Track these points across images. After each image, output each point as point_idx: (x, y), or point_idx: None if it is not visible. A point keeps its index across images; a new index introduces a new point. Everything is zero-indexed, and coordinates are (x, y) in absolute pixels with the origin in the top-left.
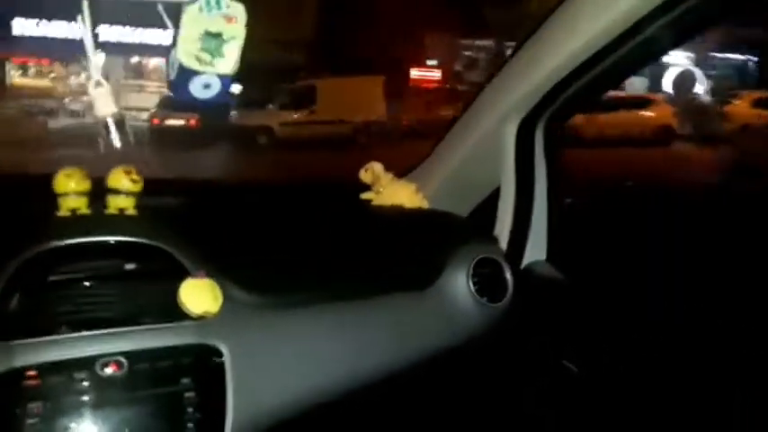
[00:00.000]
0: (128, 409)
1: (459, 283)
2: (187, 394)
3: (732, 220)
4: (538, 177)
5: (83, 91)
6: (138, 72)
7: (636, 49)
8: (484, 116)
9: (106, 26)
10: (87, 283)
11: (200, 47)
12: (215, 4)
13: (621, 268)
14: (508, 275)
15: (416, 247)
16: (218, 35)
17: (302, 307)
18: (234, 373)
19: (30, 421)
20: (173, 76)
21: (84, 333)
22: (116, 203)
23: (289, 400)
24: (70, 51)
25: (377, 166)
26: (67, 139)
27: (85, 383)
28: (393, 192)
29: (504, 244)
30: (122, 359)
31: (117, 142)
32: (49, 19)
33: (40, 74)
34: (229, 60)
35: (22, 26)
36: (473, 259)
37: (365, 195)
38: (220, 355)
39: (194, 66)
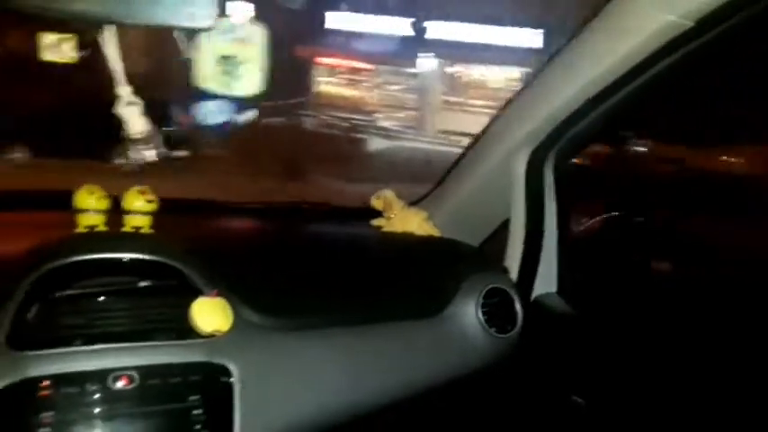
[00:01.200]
0: (136, 423)
1: (468, 313)
2: (195, 411)
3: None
4: (548, 210)
5: (399, 104)
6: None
7: (646, 84)
8: (494, 147)
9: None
10: (102, 299)
11: (218, 70)
12: (228, 29)
13: (631, 303)
14: (518, 306)
15: (426, 275)
16: (229, 58)
17: (312, 330)
18: (242, 392)
19: (41, 430)
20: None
21: (98, 346)
22: (132, 222)
23: (295, 422)
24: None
25: (388, 194)
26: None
27: (97, 396)
28: (404, 219)
29: (514, 275)
30: (133, 373)
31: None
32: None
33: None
34: (245, 84)
35: (336, 19)
36: (483, 289)
37: (376, 222)
38: (229, 374)
39: (217, 88)
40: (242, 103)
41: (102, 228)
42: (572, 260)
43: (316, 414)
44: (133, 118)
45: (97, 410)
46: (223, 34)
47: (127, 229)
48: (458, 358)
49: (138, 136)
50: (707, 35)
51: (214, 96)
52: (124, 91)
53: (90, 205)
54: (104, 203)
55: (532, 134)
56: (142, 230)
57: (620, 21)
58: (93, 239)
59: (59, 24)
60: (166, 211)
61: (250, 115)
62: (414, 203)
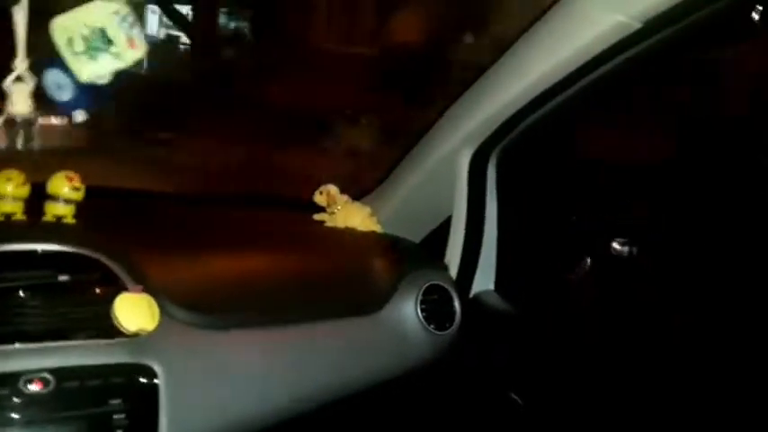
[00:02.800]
0: (52, 429)
1: (407, 310)
2: (116, 416)
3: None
4: (489, 208)
5: None
6: None
7: (590, 85)
8: (438, 144)
9: None
10: (16, 294)
11: (84, 35)
12: (127, 19)
13: (567, 300)
14: (456, 303)
15: (366, 272)
16: (108, 41)
17: (244, 329)
18: (168, 395)
19: None
20: None
21: (8, 347)
22: (54, 211)
23: (225, 423)
24: None
25: (332, 189)
26: None
27: (7, 401)
28: (347, 214)
29: (453, 272)
30: (48, 376)
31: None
32: None
33: None
34: (94, 69)
35: None
36: (422, 285)
37: (318, 216)
38: (154, 375)
39: (62, 48)
40: (83, 94)
41: (20, 216)
42: (510, 257)
43: (246, 416)
44: (18, 96)
45: (8, 416)
46: (115, 15)
47: (48, 218)
48: (396, 356)
49: (16, 118)
50: (654, 37)
51: (58, 66)
52: (20, 65)
53: (7, 192)
54: (23, 190)
55: (477, 132)
56: (64, 220)
57: (568, 20)
58: (11, 229)
59: None
60: (92, 199)
61: (80, 117)
62: (358, 198)
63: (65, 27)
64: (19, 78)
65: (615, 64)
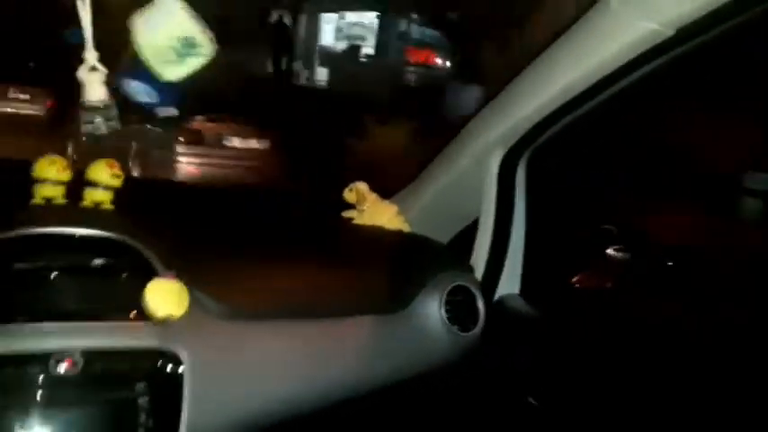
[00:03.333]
0: (78, 410)
1: (431, 309)
2: (141, 400)
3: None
4: (517, 211)
5: None
6: None
7: (621, 91)
8: (469, 146)
9: None
10: (52, 275)
11: (174, 45)
12: (197, 16)
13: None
14: (480, 305)
15: (393, 270)
16: (192, 45)
17: (270, 320)
18: (192, 382)
19: None
20: None
21: (41, 324)
22: (93, 197)
23: (246, 414)
24: None
25: (362, 186)
26: None
27: (37, 380)
28: (375, 212)
29: (479, 274)
30: (77, 357)
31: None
32: None
33: None
34: (181, 71)
35: None
36: (447, 286)
37: (347, 213)
38: (179, 362)
39: (151, 62)
40: (167, 97)
41: (60, 200)
42: (537, 262)
43: (268, 405)
44: (94, 84)
45: (37, 395)
46: (191, 17)
47: (86, 203)
48: (419, 355)
49: (96, 105)
50: (687, 45)
51: (146, 77)
52: (90, 55)
53: (50, 175)
54: (66, 175)
55: (507, 135)
56: (103, 206)
57: (600, 26)
58: (51, 212)
59: None
60: (131, 188)
61: (171, 111)
62: (386, 197)
63: (151, 46)
64: (93, 68)
65: (646, 71)
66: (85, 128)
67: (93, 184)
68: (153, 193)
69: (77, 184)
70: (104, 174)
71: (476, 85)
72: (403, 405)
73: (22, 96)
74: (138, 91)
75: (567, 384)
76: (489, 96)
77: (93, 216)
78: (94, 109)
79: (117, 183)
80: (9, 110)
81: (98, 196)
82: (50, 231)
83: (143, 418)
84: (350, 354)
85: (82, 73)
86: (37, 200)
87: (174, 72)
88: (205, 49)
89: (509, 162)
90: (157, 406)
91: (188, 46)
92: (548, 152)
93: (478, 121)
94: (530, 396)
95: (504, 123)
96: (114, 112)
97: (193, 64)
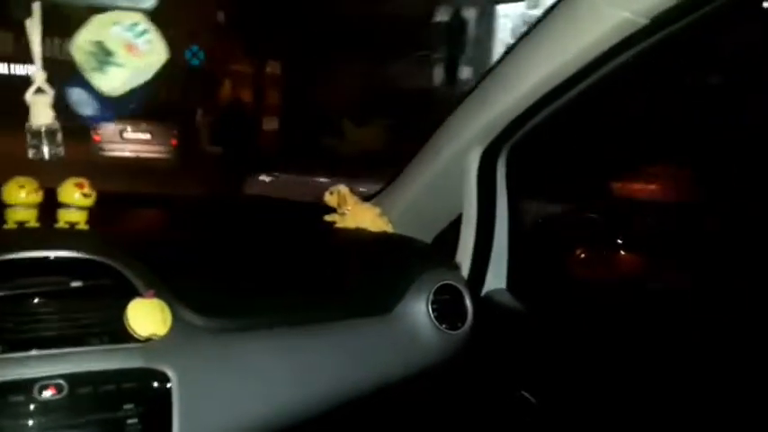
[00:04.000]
0: None
1: (418, 310)
2: (130, 421)
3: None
4: (499, 206)
5: None
6: None
7: (598, 81)
8: (448, 143)
9: None
10: (30, 301)
11: (89, 50)
12: (129, 27)
13: (581, 298)
14: (468, 303)
15: (378, 272)
16: (108, 53)
17: (255, 331)
18: (181, 398)
19: None
20: None
21: (22, 354)
22: (66, 217)
23: (238, 427)
24: None
25: (343, 189)
26: None
27: (22, 408)
28: (357, 215)
29: (465, 271)
30: (62, 382)
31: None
32: None
33: None
34: (106, 82)
35: None
36: (434, 285)
37: (329, 217)
38: (167, 380)
39: (80, 66)
40: (106, 104)
41: (33, 224)
42: (522, 256)
43: (261, 419)
44: (39, 107)
45: (22, 423)
46: (114, 25)
47: (61, 224)
48: (408, 355)
49: (40, 129)
50: (661, 33)
51: (84, 84)
52: (38, 76)
53: (20, 199)
54: (36, 197)
55: (486, 130)
56: (77, 226)
57: (574, 17)
58: (25, 236)
59: None
60: (103, 205)
61: (110, 124)
62: (368, 199)
63: (78, 47)
64: (39, 90)
65: (622, 61)
66: (30, 152)
67: (66, 205)
68: (127, 209)
69: (52, 205)
70: (74, 194)
71: None
72: (396, 407)
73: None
74: (79, 100)
75: (561, 376)
76: (465, 93)
77: (68, 237)
78: (38, 133)
79: (89, 202)
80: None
81: (72, 217)
82: (25, 256)
83: None
84: (339, 359)
85: (28, 95)
86: (9, 224)
87: (103, 82)
88: (126, 61)
89: (489, 157)
90: (147, 426)
91: (103, 53)
92: (527, 145)
93: (456, 118)
94: (523, 390)
95: (481, 119)
96: (59, 136)
97: (116, 75)
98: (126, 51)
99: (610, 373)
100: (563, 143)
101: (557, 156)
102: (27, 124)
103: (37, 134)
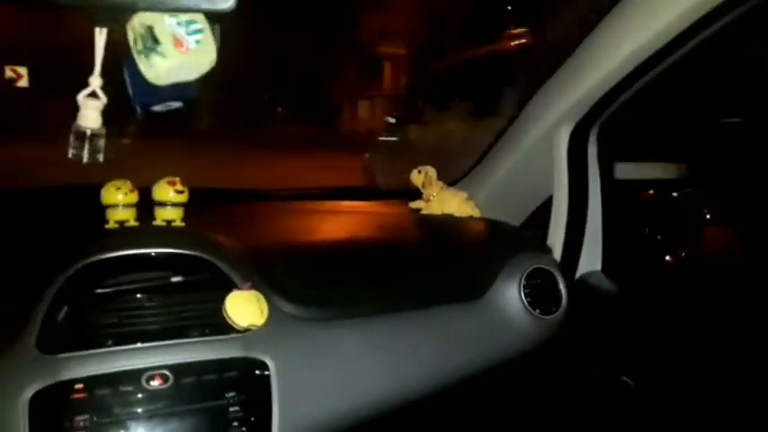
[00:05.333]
0: (173, 422)
1: (510, 295)
2: (232, 408)
3: None
4: (592, 186)
5: None
6: None
7: (692, 52)
8: (535, 123)
9: None
10: (134, 296)
11: (140, 33)
12: (183, 22)
13: (680, 279)
14: (562, 287)
15: (467, 258)
16: (155, 41)
17: (349, 320)
18: (279, 386)
19: None
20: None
21: (130, 346)
22: (163, 215)
23: (335, 414)
24: None
25: (431, 170)
26: None
27: (131, 396)
28: (443, 201)
29: (557, 254)
30: (167, 372)
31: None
32: None
33: None
34: (151, 70)
35: None
36: (525, 270)
37: (414, 204)
38: (266, 368)
39: (130, 43)
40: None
41: (132, 222)
42: (618, 237)
43: (355, 405)
44: (89, 111)
45: (132, 411)
46: (173, 18)
47: (158, 222)
48: (501, 341)
49: (85, 131)
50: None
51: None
52: (95, 81)
53: (117, 201)
54: (132, 197)
55: (574, 108)
56: (174, 224)
57: None
58: (126, 235)
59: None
60: (197, 201)
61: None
62: (452, 184)
63: (131, 26)
64: (93, 94)
65: (714, 30)
66: (70, 152)
67: (162, 204)
68: (220, 204)
69: (148, 204)
70: (168, 192)
71: None
72: (490, 393)
73: None
74: (128, 81)
75: (659, 360)
76: (550, 70)
77: (166, 235)
78: (82, 135)
79: (183, 198)
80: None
81: (168, 214)
82: (127, 254)
83: (235, 425)
84: (431, 345)
85: (81, 96)
86: (111, 224)
87: (145, 68)
88: (169, 54)
89: (578, 136)
90: (248, 412)
91: (151, 39)
92: (621, 123)
93: (542, 97)
94: (622, 374)
95: (569, 97)
96: (101, 142)
97: (158, 64)
98: (172, 45)
99: (708, 356)
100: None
101: (651, 132)
102: (74, 124)
103: (81, 136)
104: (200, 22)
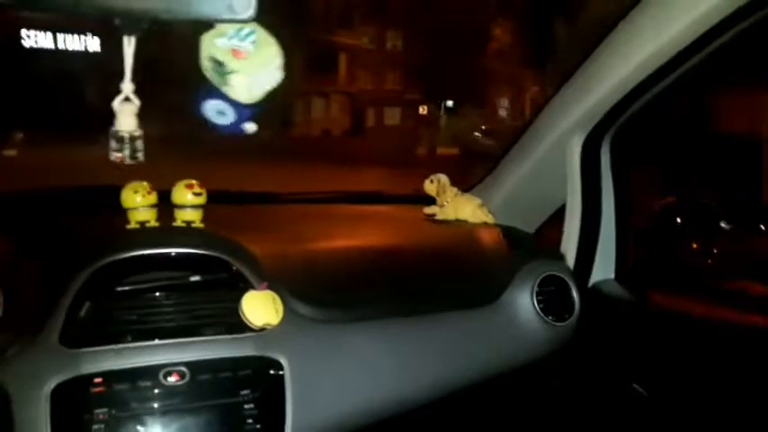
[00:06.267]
0: (189, 418)
1: (523, 301)
2: (247, 406)
3: None
4: (605, 193)
5: None
6: None
7: (706, 60)
8: (549, 130)
9: None
10: (153, 294)
11: (209, 67)
12: (234, 34)
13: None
14: (575, 294)
15: (480, 263)
16: (220, 63)
17: (363, 322)
18: (293, 386)
19: (95, 427)
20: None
21: (148, 343)
22: (183, 216)
23: (348, 415)
24: None
25: (443, 178)
26: None
27: (148, 392)
28: (457, 206)
29: (570, 261)
30: (184, 369)
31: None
32: None
33: None
34: (236, 91)
35: None
36: (538, 276)
37: (429, 210)
38: (280, 367)
39: (212, 81)
40: (243, 111)
41: (153, 223)
42: (632, 245)
43: (368, 406)
44: (125, 115)
45: (149, 406)
46: (219, 37)
47: (178, 223)
48: (513, 347)
49: (124, 135)
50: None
51: (217, 95)
52: (127, 87)
53: (136, 203)
54: (151, 199)
55: (587, 116)
56: (193, 225)
57: None
58: (146, 235)
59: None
60: (215, 203)
61: (251, 128)
62: (467, 190)
63: (204, 68)
64: (126, 99)
65: (727, 38)
66: (111, 155)
67: (181, 206)
68: (239, 206)
69: (168, 205)
70: (186, 195)
71: None
72: (502, 399)
73: None
74: (213, 113)
75: (673, 369)
76: (564, 77)
77: (185, 235)
78: (121, 139)
79: (201, 201)
80: None
81: (188, 216)
82: (147, 253)
83: (250, 422)
84: (444, 350)
85: (116, 103)
86: (132, 224)
87: (234, 92)
88: (238, 68)
89: (591, 144)
90: (263, 410)
91: (219, 67)
92: (633, 131)
93: (556, 105)
94: (635, 383)
95: (582, 104)
96: (140, 144)
97: (238, 83)
98: (232, 57)
99: (723, 366)
100: (671, 128)
101: (665, 141)
102: (112, 129)
103: (120, 139)
104: (248, 25)
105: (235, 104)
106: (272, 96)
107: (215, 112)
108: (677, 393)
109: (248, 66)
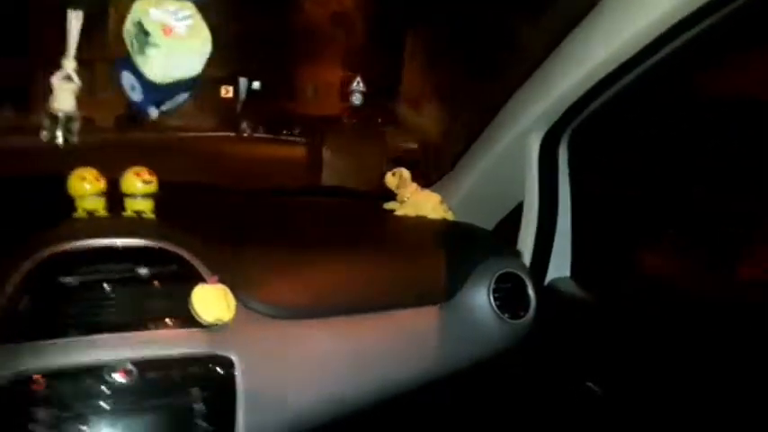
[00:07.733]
0: (135, 418)
1: (479, 298)
2: (196, 405)
3: None
4: (562, 191)
5: None
6: None
7: (663, 60)
8: (507, 128)
9: None
10: (99, 287)
11: (132, 33)
12: (172, 12)
13: (647, 286)
14: (531, 291)
15: (438, 260)
16: (146, 33)
17: (317, 318)
18: (244, 384)
19: (35, 427)
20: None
21: (93, 337)
22: (133, 206)
23: (300, 413)
24: None
25: (405, 173)
26: None
27: (94, 390)
28: (417, 202)
29: (527, 259)
30: (131, 366)
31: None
32: None
33: None
34: (151, 64)
35: None
36: (495, 273)
37: (388, 205)
38: (231, 365)
39: (128, 48)
40: (151, 92)
41: (102, 212)
42: (587, 243)
43: (321, 404)
44: (64, 94)
45: (94, 406)
46: (156, 7)
47: (128, 213)
48: (469, 345)
49: (59, 114)
50: (728, 7)
51: (131, 67)
52: (69, 64)
53: (84, 190)
54: (99, 185)
55: (545, 115)
56: (144, 215)
57: None
58: (93, 225)
59: None
60: (168, 195)
61: (153, 114)
62: (426, 186)
63: (126, 30)
64: (67, 78)
65: (687, 38)
66: (42, 134)
67: (131, 195)
68: (192, 197)
69: (118, 194)
70: (135, 183)
71: None
72: (457, 396)
73: None
74: (127, 85)
75: (627, 367)
76: (522, 77)
77: (135, 226)
78: (55, 118)
79: (151, 189)
80: None
81: (138, 205)
82: (95, 244)
83: (200, 421)
84: (399, 347)
85: (55, 79)
86: (80, 213)
87: (146, 67)
88: (160, 42)
89: (549, 142)
90: (213, 409)
91: (142, 34)
92: (591, 129)
93: (515, 103)
94: (588, 381)
95: (541, 103)
96: (76, 125)
97: (154, 57)
98: (162, 32)
99: (677, 365)
100: (629, 126)
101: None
102: (46, 106)
103: (54, 118)
104: (189, 8)
105: (144, 83)
106: (183, 85)
107: (129, 85)
108: (631, 391)
109: (173, 46)
